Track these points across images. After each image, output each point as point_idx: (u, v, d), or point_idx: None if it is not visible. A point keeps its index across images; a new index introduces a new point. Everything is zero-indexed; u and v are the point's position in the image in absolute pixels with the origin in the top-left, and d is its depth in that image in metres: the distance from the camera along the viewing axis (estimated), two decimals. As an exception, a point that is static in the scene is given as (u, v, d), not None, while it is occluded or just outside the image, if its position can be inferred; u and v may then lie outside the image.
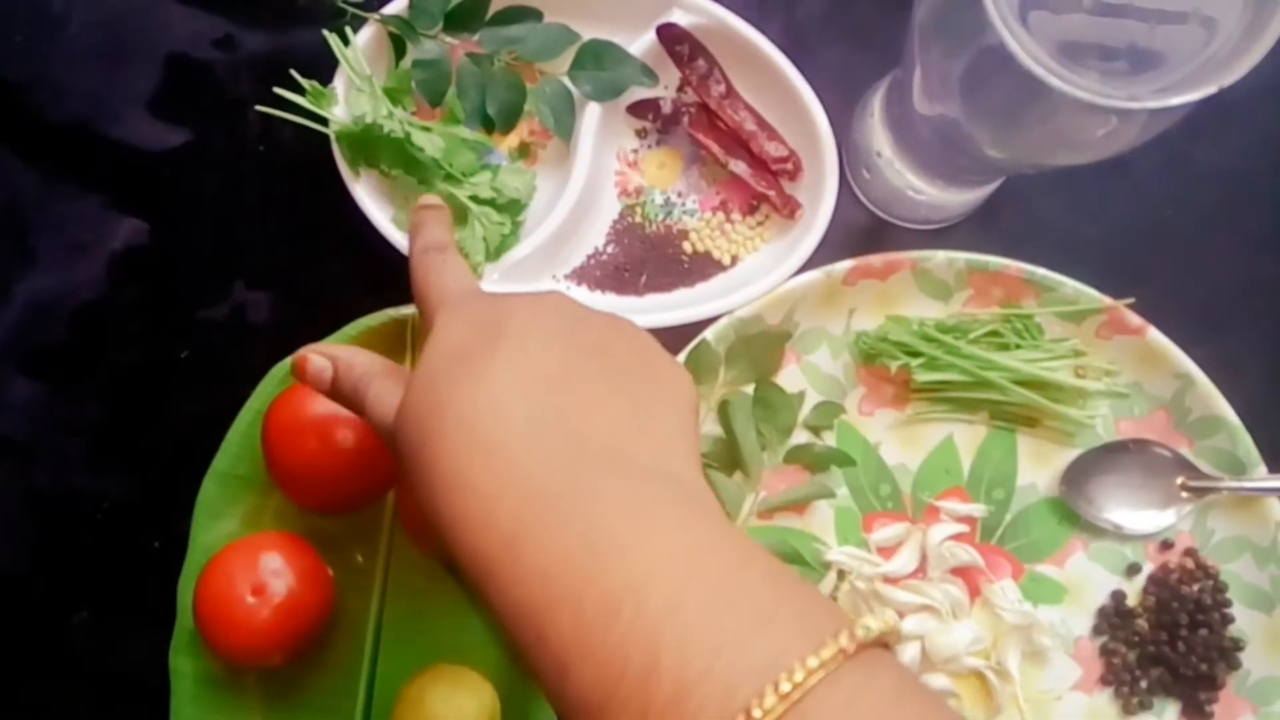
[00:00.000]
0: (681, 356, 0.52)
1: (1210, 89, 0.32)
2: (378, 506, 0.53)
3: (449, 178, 0.53)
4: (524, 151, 0.56)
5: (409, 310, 0.53)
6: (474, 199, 0.52)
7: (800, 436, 0.54)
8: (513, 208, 0.53)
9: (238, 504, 0.53)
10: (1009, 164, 0.44)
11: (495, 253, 0.52)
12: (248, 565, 0.48)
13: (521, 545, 0.28)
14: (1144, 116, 0.34)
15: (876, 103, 0.52)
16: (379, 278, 0.54)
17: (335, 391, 0.38)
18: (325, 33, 0.52)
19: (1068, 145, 0.39)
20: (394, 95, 0.53)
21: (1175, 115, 0.35)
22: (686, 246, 0.55)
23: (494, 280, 0.53)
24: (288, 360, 0.52)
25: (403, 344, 0.54)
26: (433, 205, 0.43)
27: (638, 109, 0.55)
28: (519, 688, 0.51)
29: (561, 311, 0.34)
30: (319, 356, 0.38)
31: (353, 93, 0.53)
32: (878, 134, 0.52)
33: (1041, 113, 0.37)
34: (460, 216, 0.52)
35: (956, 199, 0.53)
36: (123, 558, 0.54)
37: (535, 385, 0.31)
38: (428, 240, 0.41)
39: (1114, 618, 0.52)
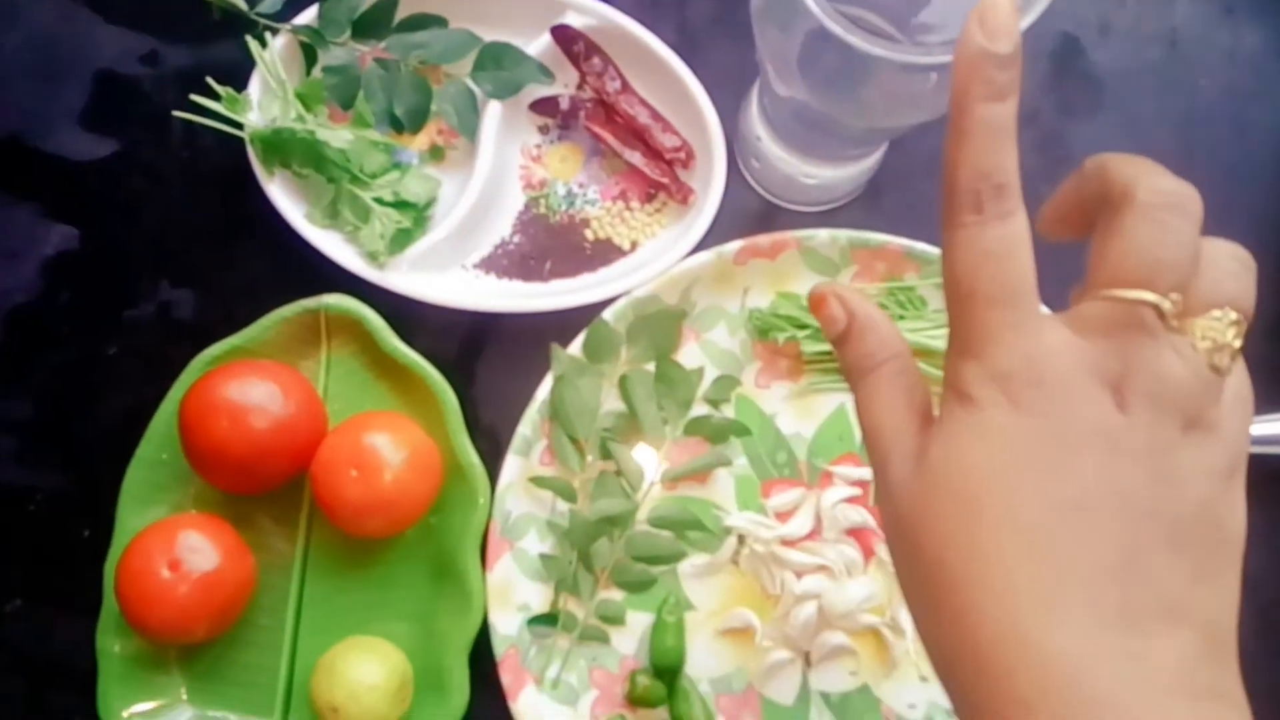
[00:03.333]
0: (582, 336, 0.55)
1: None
2: (297, 489, 0.56)
3: (355, 179, 0.56)
4: (435, 152, 0.59)
5: (323, 300, 0.55)
6: (378, 200, 0.55)
7: (700, 410, 0.56)
8: (414, 208, 0.56)
9: (162, 490, 0.55)
10: (866, 131, 0.47)
11: (394, 246, 0.55)
12: (165, 544, 0.50)
13: None
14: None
15: (754, 95, 0.55)
16: (294, 272, 0.57)
17: (839, 348, 0.33)
18: (247, 37, 0.56)
19: (907, 104, 0.42)
20: (306, 101, 0.56)
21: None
22: (589, 234, 0.58)
23: (403, 270, 0.56)
24: (208, 351, 0.55)
25: (316, 333, 0.56)
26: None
27: (539, 106, 0.59)
28: (433, 659, 0.53)
29: (1145, 454, 0.27)
30: (837, 304, 0.33)
31: (266, 98, 0.56)
32: (756, 123, 0.55)
33: (871, 78, 0.40)
34: (363, 214, 0.55)
35: (839, 177, 0.56)
36: (54, 547, 0.57)
37: (1098, 575, 0.26)
38: (1003, 272, 0.27)
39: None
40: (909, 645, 0.54)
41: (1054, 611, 0.26)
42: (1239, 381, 0.28)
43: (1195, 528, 0.27)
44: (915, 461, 0.29)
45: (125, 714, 0.52)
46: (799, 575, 0.54)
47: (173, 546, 0.50)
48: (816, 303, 0.33)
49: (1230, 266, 0.29)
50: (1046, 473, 0.27)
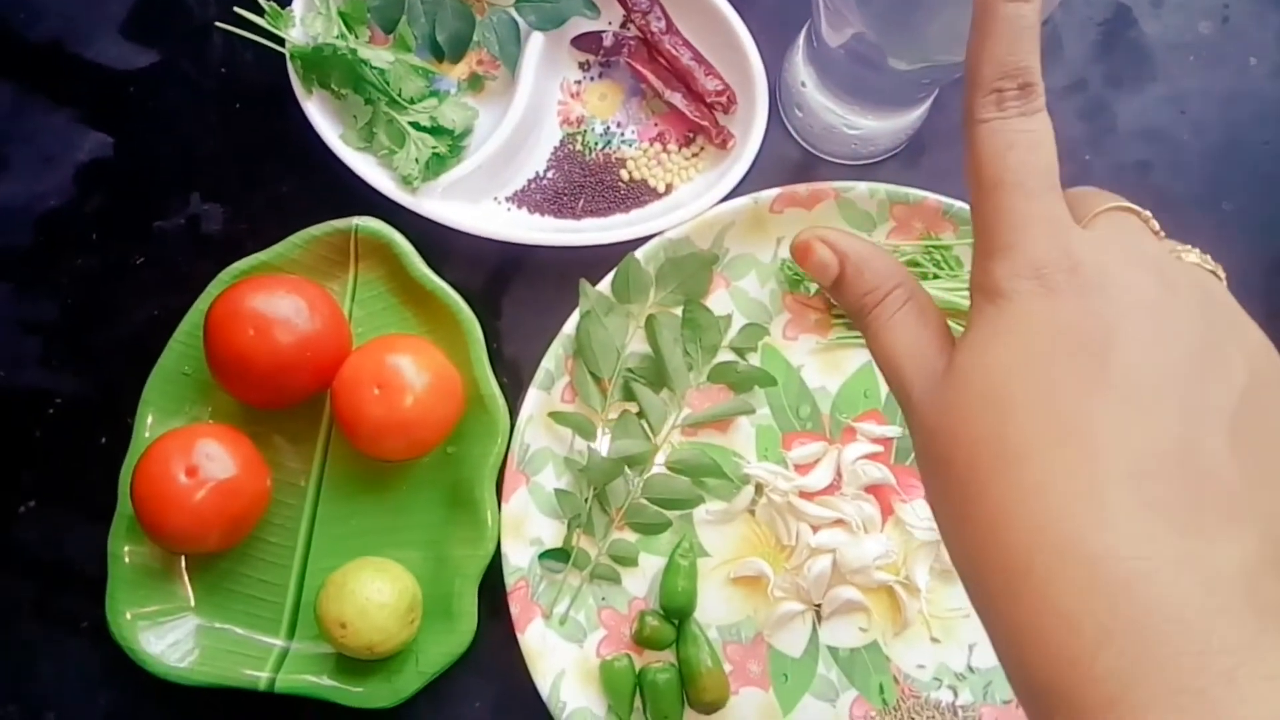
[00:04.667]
0: (611, 275, 0.55)
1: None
2: (316, 410, 0.55)
3: (393, 103, 0.55)
4: (474, 81, 0.59)
5: (354, 222, 0.55)
6: (414, 125, 0.55)
7: (725, 356, 0.56)
8: (450, 135, 0.56)
9: (182, 402, 0.55)
10: (921, 73, 0.46)
11: (428, 171, 0.55)
12: (184, 450, 0.50)
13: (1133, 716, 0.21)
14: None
15: (800, 41, 0.55)
16: (325, 193, 0.57)
17: (837, 294, 0.32)
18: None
19: (962, 35, 0.41)
20: (349, 21, 0.56)
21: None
22: (624, 174, 0.58)
23: (437, 197, 0.55)
24: (236, 265, 0.55)
25: (345, 255, 0.56)
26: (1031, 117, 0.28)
27: (581, 42, 0.58)
28: (443, 586, 0.53)
29: (1188, 330, 0.26)
30: (824, 248, 0.31)
31: (309, 15, 0.56)
32: (801, 69, 0.54)
33: (934, 6, 0.39)
34: (399, 138, 0.55)
35: (881, 129, 0.55)
36: (70, 452, 0.56)
37: (1148, 465, 0.24)
38: (1029, 163, 0.27)
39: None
40: (922, 605, 0.53)
41: (1097, 507, 0.23)
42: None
43: (1252, 419, 0.25)
44: (940, 377, 0.28)
45: (130, 615, 0.52)
46: (815, 528, 0.54)
47: (191, 453, 0.50)
48: (802, 251, 0.32)
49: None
50: (1085, 355, 0.25)
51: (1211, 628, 0.22)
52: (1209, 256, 0.29)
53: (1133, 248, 0.28)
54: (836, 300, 0.33)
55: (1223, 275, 0.29)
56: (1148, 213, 0.30)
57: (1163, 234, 0.30)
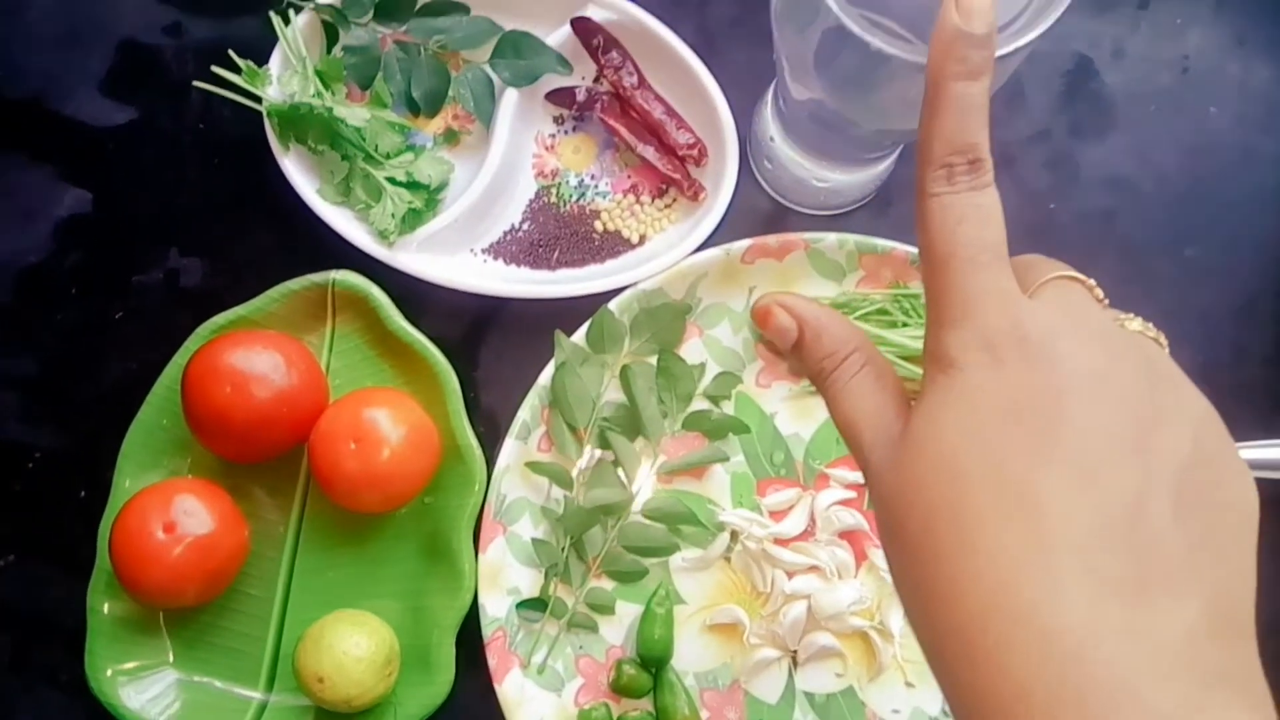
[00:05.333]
0: (586, 326, 0.56)
1: (1006, 49, 0.36)
2: (294, 462, 0.56)
3: (369, 158, 0.56)
4: (450, 136, 0.60)
5: (330, 275, 0.56)
6: (390, 180, 0.56)
7: (700, 405, 0.57)
8: (426, 189, 0.56)
9: (160, 455, 0.55)
10: (880, 136, 0.47)
11: (405, 226, 0.55)
12: (161, 506, 0.51)
13: None
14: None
15: (769, 95, 0.56)
16: (303, 246, 0.57)
17: (797, 357, 0.33)
18: (270, 13, 0.56)
19: (916, 109, 0.42)
20: (326, 79, 0.57)
21: (1003, 69, 0.39)
22: (598, 225, 0.59)
23: (412, 250, 0.56)
24: (214, 320, 0.55)
25: (322, 308, 0.57)
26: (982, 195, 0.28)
27: (555, 96, 0.59)
28: (421, 637, 0.53)
29: (1134, 398, 0.26)
30: (783, 313, 0.32)
31: (286, 74, 0.56)
32: (770, 123, 0.55)
33: (887, 80, 0.40)
34: (375, 193, 0.56)
35: (850, 182, 0.57)
36: (50, 506, 0.57)
37: (1095, 535, 0.24)
38: (979, 238, 0.28)
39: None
40: (896, 650, 0.54)
41: (1048, 578, 0.24)
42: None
43: (1195, 486, 0.26)
44: (896, 442, 0.29)
45: (110, 671, 0.52)
46: (790, 575, 0.54)
47: (169, 509, 0.50)
48: (762, 317, 0.33)
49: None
50: (1034, 423, 0.26)
51: (1158, 694, 0.23)
52: (1151, 324, 0.30)
53: (1079, 317, 0.29)
54: (798, 363, 0.33)
55: (1164, 342, 0.30)
56: (1092, 281, 0.31)
57: (1106, 301, 0.31)
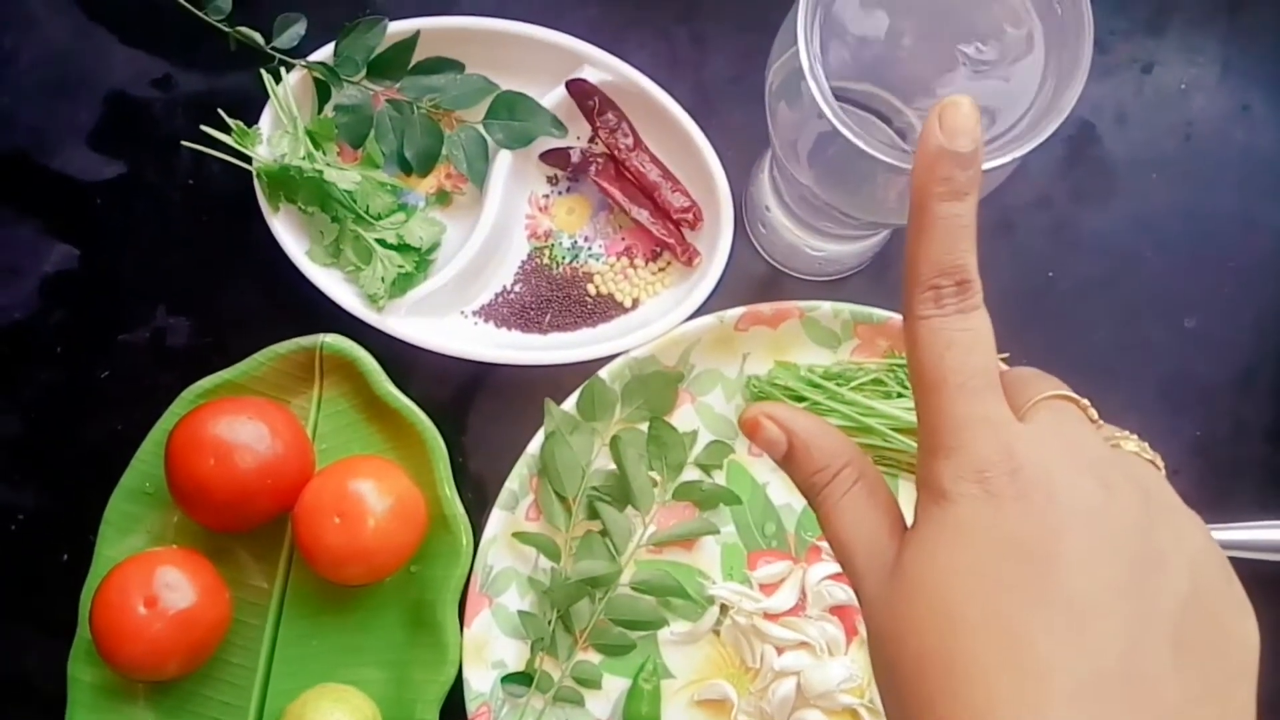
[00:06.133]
0: (576, 394, 0.55)
1: (1004, 159, 0.35)
2: (279, 528, 0.55)
3: (359, 219, 0.55)
4: (442, 196, 0.59)
5: (319, 338, 0.55)
6: (380, 242, 0.55)
7: (691, 474, 0.56)
8: (416, 252, 0.56)
9: (143, 521, 0.55)
10: (872, 225, 0.46)
11: (395, 289, 0.55)
12: (143, 579, 0.50)
13: None
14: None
15: (766, 161, 0.55)
16: (290, 307, 0.57)
17: (787, 470, 0.32)
18: (262, 71, 0.55)
19: (902, 206, 0.41)
20: (316, 138, 0.56)
21: (995, 178, 0.38)
22: (591, 288, 0.58)
23: (402, 314, 0.55)
24: (199, 384, 0.55)
25: (310, 371, 0.56)
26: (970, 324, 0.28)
27: (549, 157, 0.58)
28: (405, 710, 0.52)
29: (1131, 536, 0.26)
30: (772, 425, 0.31)
31: (277, 133, 0.56)
32: (765, 191, 0.55)
33: (877, 177, 0.39)
34: (365, 256, 0.55)
35: (846, 251, 0.56)
36: (31, 569, 0.56)
37: (1089, 685, 0.24)
38: (968, 363, 0.27)
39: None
40: (885, 729, 0.53)
41: None
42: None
43: (1194, 625, 0.25)
44: (890, 573, 0.28)
45: (89, 747, 0.51)
46: (780, 650, 0.53)
47: (150, 582, 0.50)
48: (750, 428, 0.32)
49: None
50: (1028, 564, 0.25)
51: None
52: (1147, 445, 0.30)
53: (1073, 444, 0.28)
54: (788, 474, 0.33)
55: (1161, 465, 0.30)
56: (1085, 400, 0.30)
57: (1100, 422, 0.30)
